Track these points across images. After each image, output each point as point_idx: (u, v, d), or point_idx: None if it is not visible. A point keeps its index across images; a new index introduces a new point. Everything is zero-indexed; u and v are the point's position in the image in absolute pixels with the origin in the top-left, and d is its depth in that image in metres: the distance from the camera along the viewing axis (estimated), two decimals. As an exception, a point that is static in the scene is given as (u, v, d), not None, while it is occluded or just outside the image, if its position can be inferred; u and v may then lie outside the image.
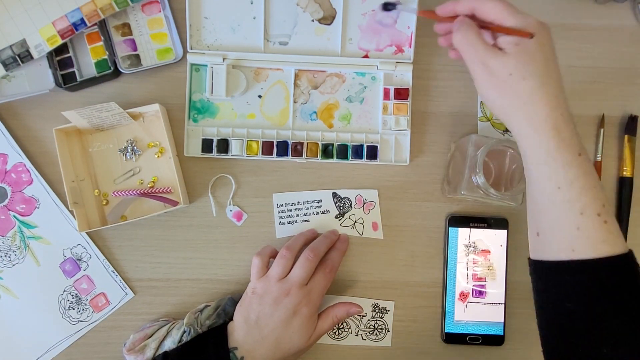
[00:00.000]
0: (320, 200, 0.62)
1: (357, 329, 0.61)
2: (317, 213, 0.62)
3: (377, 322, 0.61)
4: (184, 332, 0.54)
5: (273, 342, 0.52)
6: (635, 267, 0.42)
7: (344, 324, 0.61)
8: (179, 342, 0.54)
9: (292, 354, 0.54)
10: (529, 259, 0.48)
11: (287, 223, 0.62)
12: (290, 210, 0.62)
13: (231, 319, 0.54)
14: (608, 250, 0.40)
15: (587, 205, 0.41)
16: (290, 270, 0.54)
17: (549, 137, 0.42)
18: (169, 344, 0.54)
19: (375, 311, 0.61)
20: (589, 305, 0.41)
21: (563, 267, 0.42)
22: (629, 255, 0.41)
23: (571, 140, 0.42)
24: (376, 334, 0.61)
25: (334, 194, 0.62)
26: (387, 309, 0.61)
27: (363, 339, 0.61)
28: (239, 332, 0.52)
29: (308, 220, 0.62)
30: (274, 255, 0.57)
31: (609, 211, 0.41)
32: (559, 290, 0.43)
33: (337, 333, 0.61)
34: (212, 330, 0.54)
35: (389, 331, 0.61)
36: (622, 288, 0.41)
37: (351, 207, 0.62)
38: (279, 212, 0.62)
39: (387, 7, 0.57)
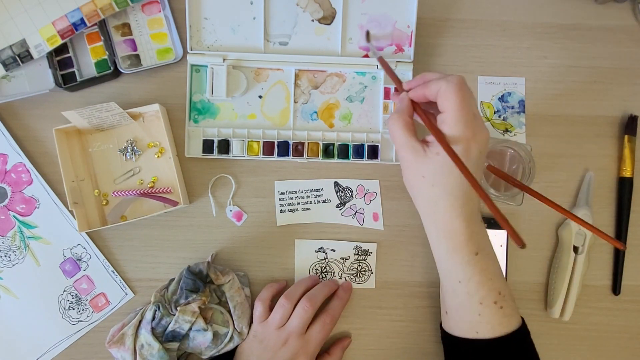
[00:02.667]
0: (322, 189, 0.62)
1: (340, 272, 0.61)
2: (318, 202, 0.62)
3: (361, 264, 0.61)
4: (155, 310, 0.54)
5: None
6: (527, 336, 0.50)
7: (328, 268, 0.61)
8: (153, 319, 0.54)
9: None
10: (441, 327, 0.55)
11: (288, 211, 0.62)
12: (292, 199, 0.62)
13: (192, 291, 0.54)
14: (505, 330, 0.48)
15: (485, 296, 0.47)
16: (288, 319, 0.55)
17: (447, 239, 0.47)
18: (145, 326, 0.54)
19: (358, 253, 0.61)
20: None
21: (469, 344, 0.49)
22: (521, 329, 0.49)
23: (469, 242, 0.46)
24: (359, 276, 0.61)
25: (336, 183, 0.62)
26: (369, 250, 0.61)
27: (346, 280, 0.62)
28: None
29: (309, 209, 0.62)
30: (276, 294, 0.58)
31: (505, 296, 0.48)
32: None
33: (320, 277, 0.61)
34: None
35: (372, 273, 0.61)
36: (519, 356, 0.49)
37: (352, 196, 0.62)
38: (280, 199, 0.62)
39: (368, 37, 0.59)
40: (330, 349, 0.59)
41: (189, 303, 0.53)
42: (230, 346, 0.56)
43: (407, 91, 0.48)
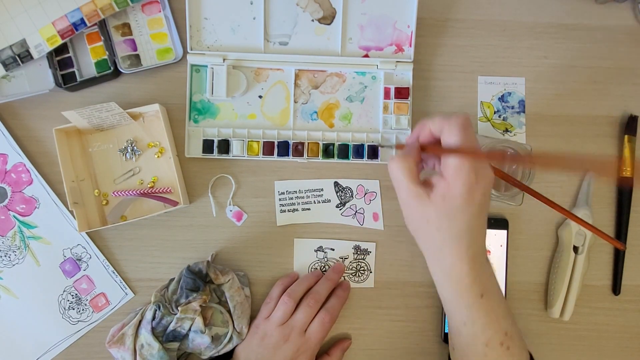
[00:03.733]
0: (322, 189, 0.62)
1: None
2: (318, 202, 0.62)
3: (359, 263, 0.61)
4: (155, 310, 0.54)
5: None
6: None
7: (327, 267, 0.61)
8: (153, 319, 0.54)
9: None
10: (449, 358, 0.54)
11: (288, 211, 0.62)
12: (292, 199, 0.62)
13: (192, 290, 0.54)
14: None
15: (491, 338, 0.46)
16: (290, 316, 0.56)
17: (452, 282, 0.46)
18: (145, 326, 0.54)
19: (357, 253, 0.61)
20: None
21: None
22: None
23: (474, 285, 0.45)
24: (359, 275, 0.61)
25: (336, 183, 0.62)
26: (368, 250, 0.61)
27: (346, 281, 0.62)
28: None
29: (309, 209, 0.62)
30: (285, 288, 0.58)
31: (512, 336, 0.47)
32: None
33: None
34: None
35: (371, 272, 0.61)
36: None
37: (352, 196, 0.62)
38: (280, 199, 0.62)
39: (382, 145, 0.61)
40: (330, 350, 0.59)
41: (189, 302, 0.53)
42: (230, 347, 0.56)
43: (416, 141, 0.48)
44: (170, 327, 0.53)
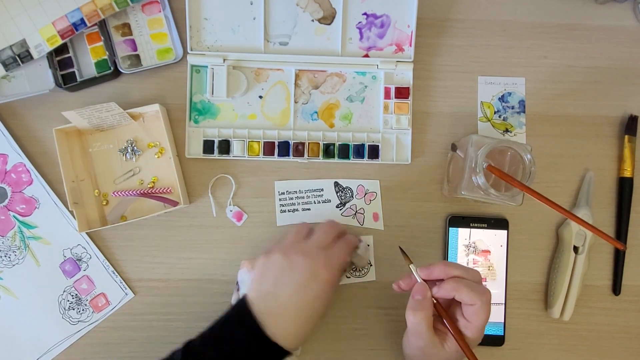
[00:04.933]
0: (322, 190, 0.62)
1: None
2: (319, 202, 0.62)
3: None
4: None
5: (294, 313, 0.49)
6: None
7: None
8: None
9: (315, 323, 0.51)
10: None
11: (288, 211, 0.62)
12: (292, 199, 0.62)
13: None
14: None
15: None
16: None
17: None
18: None
19: (355, 247, 0.61)
20: None
21: None
22: None
23: None
24: (359, 269, 0.61)
25: (336, 184, 0.62)
26: (367, 243, 0.61)
27: (347, 277, 0.61)
28: (253, 307, 0.49)
29: (309, 209, 0.62)
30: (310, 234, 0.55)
31: None
32: None
33: None
34: (234, 310, 0.51)
35: (371, 265, 0.61)
36: None
37: (352, 197, 0.62)
38: (280, 199, 0.62)
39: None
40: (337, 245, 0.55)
41: None
42: None
43: (426, 281, 0.50)
44: None
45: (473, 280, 0.49)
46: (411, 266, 0.52)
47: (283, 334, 0.48)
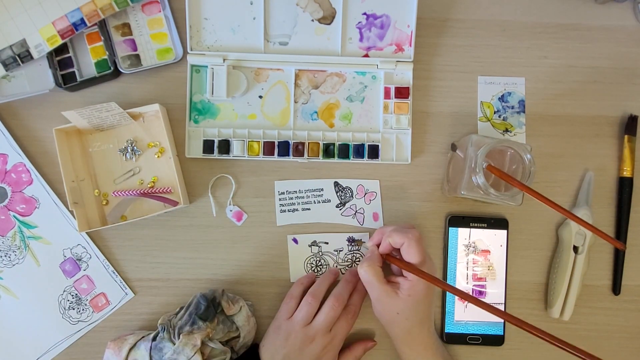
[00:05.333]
0: (322, 189, 0.62)
1: (335, 264, 0.61)
2: (318, 202, 0.62)
3: (354, 255, 0.61)
4: (158, 331, 0.54)
5: None
6: None
7: (322, 261, 0.61)
8: (153, 340, 0.54)
9: None
10: None
11: (288, 211, 0.62)
12: (292, 199, 0.62)
13: (201, 318, 0.54)
14: None
15: None
16: (314, 316, 0.56)
17: (421, 351, 0.56)
18: (145, 343, 0.54)
19: (351, 244, 0.61)
20: None
21: None
22: None
23: (432, 344, 0.57)
24: (353, 267, 0.61)
25: (336, 183, 0.62)
26: (362, 240, 0.62)
27: (342, 273, 0.61)
28: None
29: (309, 209, 0.62)
30: (307, 289, 0.58)
31: None
32: None
33: (315, 270, 0.61)
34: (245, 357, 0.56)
35: None
36: None
37: (352, 196, 0.62)
38: (280, 199, 0.62)
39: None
40: (352, 345, 0.59)
41: (192, 332, 0.53)
42: None
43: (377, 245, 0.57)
44: (165, 357, 0.52)
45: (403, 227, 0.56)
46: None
47: None
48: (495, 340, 0.61)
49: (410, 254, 0.53)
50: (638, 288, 0.62)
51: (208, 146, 0.60)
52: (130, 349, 0.54)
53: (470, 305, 0.60)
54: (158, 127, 0.60)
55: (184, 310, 0.56)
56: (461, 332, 0.61)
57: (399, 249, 0.55)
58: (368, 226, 0.62)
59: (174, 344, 0.52)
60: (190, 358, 0.52)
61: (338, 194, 0.62)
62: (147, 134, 0.61)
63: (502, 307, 0.61)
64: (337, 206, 0.62)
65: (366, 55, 0.62)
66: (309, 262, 0.61)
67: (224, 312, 0.56)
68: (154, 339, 0.54)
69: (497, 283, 0.61)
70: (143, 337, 0.55)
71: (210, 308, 0.54)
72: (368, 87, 0.62)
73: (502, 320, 0.61)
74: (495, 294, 0.61)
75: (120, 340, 0.54)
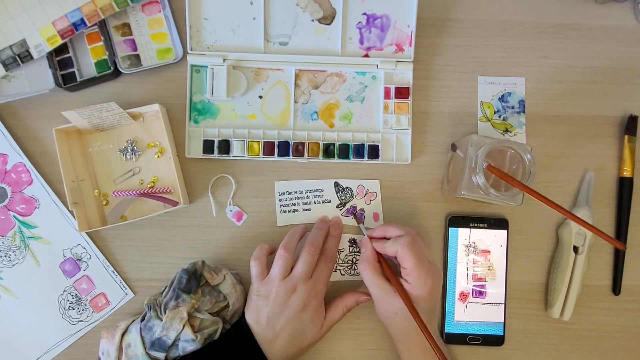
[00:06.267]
0: (322, 190, 0.62)
1: (335, 265, 0.61)
2: (319, 202, 0.62)
3: (355, 256, 0.61)
4: (145, 311, 0.54)
5: (287, 338, 0.54)
6: None
7: None
8: (142, 320, 0.54)
9: (306, 346, 0.56)
10: None
11: (289, 212, 0.62)
12: (292, 199, 0.62)
13: (185, 291, 0.54)
14: None
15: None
16: (291, 269, 0.55)
17: (419, 352, 0.55)
18: (135, 325, 0.54)
19: (352, 246, 0.61)
20: None
21: None
22: None
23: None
24: (354, 268, 0.61)
25: (336, 184, 0.62)
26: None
27: (342, 274, 0.61)
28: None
29: (309, 209, 0.62)
30: (270, 253, 0.57)
31: None
32: None
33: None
34: (233, 327, 0.55)
35: None
36: None
37: (352, 197, 0.62)
38: (280, 200, 0.62)
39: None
40: (343, 295, 0.58)
41: (177, 307, 0.53)
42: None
43: (371, 238, 0.58)
44: (156, 335, 0.52)
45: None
46: (360, 225, 0.61)
47: (276, 355, 0.54)
48: (495, 341, 0.61)
49: (401, 259, 0.54)
50: (638, 288, 0.62)
51: (208, 146, 0.60)
52: (123, 335, 0.54)
53: (471, 305, 0.61)
54: (158, 127, 0.60)
55: (168, 287, 0.56)
56: (461, 332, 0.61)
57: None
58: (368, 226, 0.62)
59: (162, 321, 0.53)
60: (180, 331, 0.52)
61: (338, 194, 0.62)
62: (147, 134, 0.61)
63: (502, 308, 0.61)
64: (337, 206, 0.62)
65: (366, 55, 0.62)
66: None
67: (209, 284, 0.56)
68: (142, 319, 0.54)
69: (497, 283, 0.61)
70: (134, 320, 0.55)
71: (192, 280, 0.54)
72: (368, 87, 0.62)
73: (502, 321, 0.61)
74: (495, 294, 0.61)
75: (113, 328, 0.55)
